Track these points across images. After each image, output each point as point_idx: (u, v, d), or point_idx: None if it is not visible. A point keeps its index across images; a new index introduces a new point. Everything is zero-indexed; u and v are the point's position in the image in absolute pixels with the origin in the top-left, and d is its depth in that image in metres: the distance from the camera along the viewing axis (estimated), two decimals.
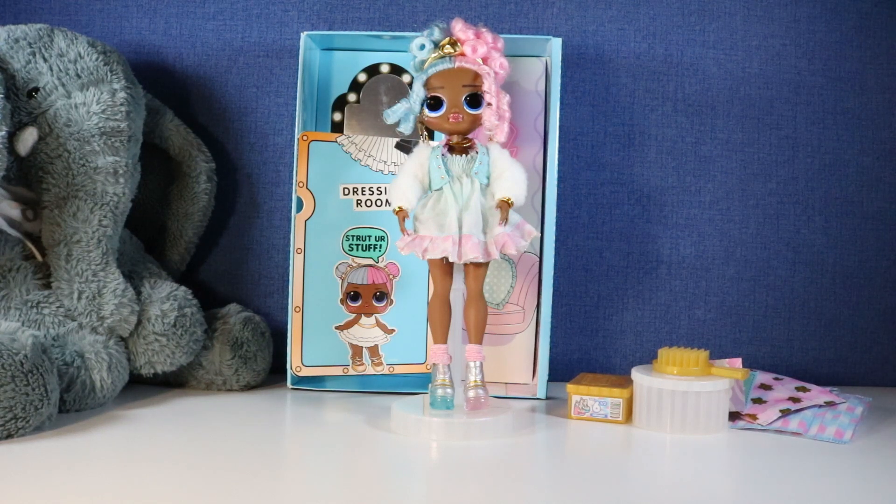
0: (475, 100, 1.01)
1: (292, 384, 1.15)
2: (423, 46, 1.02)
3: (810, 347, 1.26)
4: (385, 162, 1.14)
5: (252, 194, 1.27)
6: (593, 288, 1.26)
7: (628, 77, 1.25)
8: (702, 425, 1.02)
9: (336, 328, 1.15)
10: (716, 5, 1.25)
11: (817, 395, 1.09)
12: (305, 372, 1.14)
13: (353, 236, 1.14)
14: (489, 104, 1.01)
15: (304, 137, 1.13)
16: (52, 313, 1.07)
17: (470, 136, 1.03)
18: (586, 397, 1.07)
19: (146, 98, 1.18)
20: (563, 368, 1.24)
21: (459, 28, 1.03)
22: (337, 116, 1.20)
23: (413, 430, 0.99)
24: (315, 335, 1.14)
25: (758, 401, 1.08)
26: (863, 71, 1.25)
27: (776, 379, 1.14)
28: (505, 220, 0.99)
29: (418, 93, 1.02)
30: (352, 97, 1.20)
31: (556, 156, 1.13)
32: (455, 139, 1.03)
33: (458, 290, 1.03)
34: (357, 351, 1.15)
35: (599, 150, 1.25)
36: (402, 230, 1.01)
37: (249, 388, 1.17)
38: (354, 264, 1.15)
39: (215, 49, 1.27)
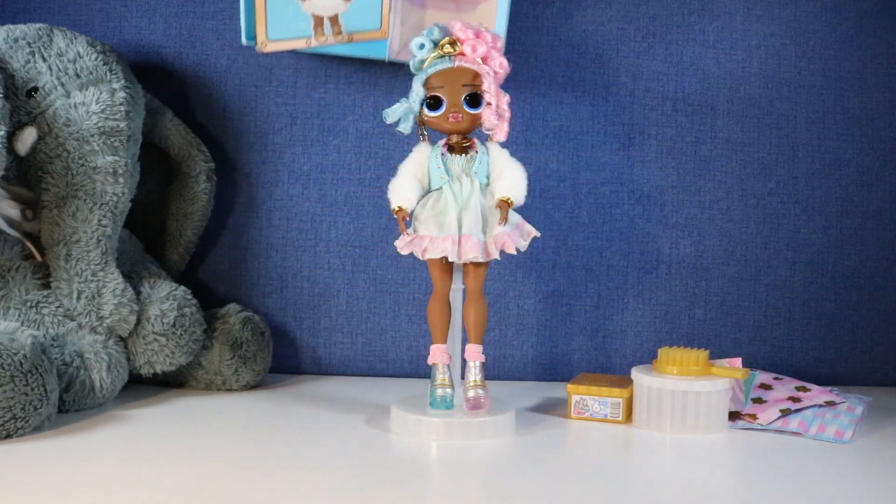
0: (475, 99, 1.01)
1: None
2: (422, 46, 1.02)
3: (810, 347, 1.26)
4: None
5: (251, 194, 1.27)
6: (593, 288, 1.26)
7: (628, 77, 1.25)
8: (702, 425, 1.02)
9: None
10: (716, 5, 1.25)
11: (817, 394, 1.09)
12: (271, 47, 1.12)
13: None
14: (489, 104, 1.01)
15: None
16: (52, 313, 1.07)
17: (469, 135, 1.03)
18: (586, 397, 1.07)
19: (146, 98, 1.18)
20: (563, 368, 1.24)
21: (459, 27, 1.03)
22: None
23: (413, 430, 0.99)
24: (278, 7, 1.11)
25: (758, 400, 1.08)
26: (863, 71, 1.25)
27: (776, 379, 1.14)
28: (504, 219, 0.99)
29: (418, 92, 1.02)
30: None
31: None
32: (454, 139, 1.03)
33: (457, 290, 1.03)
34: (318, 21, 1.12)
35: (599, 150, 1.25)
36: (402, 230, 1.01)
37: (249, 387, 1.17)
38: None
39: (215, 49, 1.27)
